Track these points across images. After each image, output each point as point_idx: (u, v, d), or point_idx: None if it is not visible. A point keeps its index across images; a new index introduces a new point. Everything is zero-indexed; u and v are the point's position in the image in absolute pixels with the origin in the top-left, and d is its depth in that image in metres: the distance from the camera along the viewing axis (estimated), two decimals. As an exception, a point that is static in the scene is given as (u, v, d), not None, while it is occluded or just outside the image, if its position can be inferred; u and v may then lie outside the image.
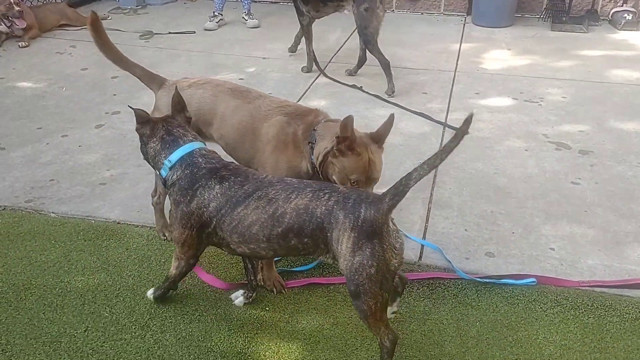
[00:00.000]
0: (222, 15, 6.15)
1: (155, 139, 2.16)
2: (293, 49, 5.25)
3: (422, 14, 6.65)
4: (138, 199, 3.06)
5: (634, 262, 2.58)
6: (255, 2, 6.33)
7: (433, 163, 1.83)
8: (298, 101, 4.24)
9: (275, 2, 7.03)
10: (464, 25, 6.21)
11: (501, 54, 5.30)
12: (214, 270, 2.54)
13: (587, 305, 2.33)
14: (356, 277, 1.84)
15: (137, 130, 2.20)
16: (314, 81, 4.62)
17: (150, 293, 2.36)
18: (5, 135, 3.77)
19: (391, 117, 2.36)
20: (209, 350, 2.14)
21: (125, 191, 3.15)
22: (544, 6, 6.31)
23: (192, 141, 2.16)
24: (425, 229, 2.83)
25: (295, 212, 1.91)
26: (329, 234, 1.88)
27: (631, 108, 4.13)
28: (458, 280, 2.46)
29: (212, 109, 2.49)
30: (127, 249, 2.68)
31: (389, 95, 4.37)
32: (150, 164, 2.23)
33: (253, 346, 2.15)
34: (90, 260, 2.61)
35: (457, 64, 5.02)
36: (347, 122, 2.12)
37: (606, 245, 2.69)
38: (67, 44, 5.57)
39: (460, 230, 2.80)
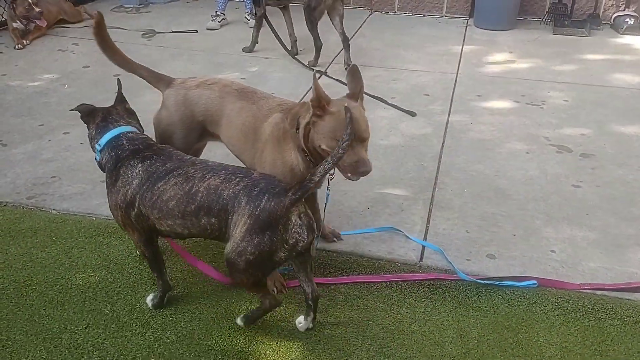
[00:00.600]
0: (224, 14, 6.15)
1: (92, 126, 2.31)
2: (250, 49, 5.36)
3: (424, 16, 6.65)
4: (139, 197, 3.06)
5: (635, 265, 2.58)
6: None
7: (336, 156, 1.89)
8: (300, 101, 4.24)
9: (277, 3, 7.02)
10: (466, 27, 6.22)
11: (503, 56, 5.31)
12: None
13: (588, 308, 2.33)
14: (234, 257, 1.94)
15: (82, 119, 2.34)
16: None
17: (149, 300, 2.33)
18: (6, 132, 3.77)
19: (353, 67, 2.32)
20: (210, 348, 2.14)
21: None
22: (546, 10, 6.32)
23: (121, 126, 2.27)
24: (427, 230, 2.83)
25: (207, 191, 2.00)
26: (230, 217, 1.96)
27: (632, 112, 4.13)
28: (459, 281, 2.46)
29: (219, 110, 2.48)
30: (127, 247, 2.68)
31: (312, 65, 4.95)
32: (93, 151, 2.34)
33: (254, 345, 2.15)
34: (91, 258, 2.61)
35: (458, 66, 5.03)
36: (315, 85, 2.10)
37: (607, 248, 2.70)
38: (69, 41, 5.57)
39: (462, 232, 2.80)
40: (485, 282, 2.44)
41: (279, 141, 2.34)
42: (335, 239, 2.70)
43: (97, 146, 2.25)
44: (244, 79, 4.61)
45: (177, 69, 4.82)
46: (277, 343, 2.16)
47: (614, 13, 6.16)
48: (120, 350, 2.12)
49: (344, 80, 4.12)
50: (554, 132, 3.84)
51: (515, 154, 3.55)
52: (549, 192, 3.15)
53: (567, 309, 2.33)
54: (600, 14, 6.21)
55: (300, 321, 2.22)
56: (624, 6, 6.15)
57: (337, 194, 3.10)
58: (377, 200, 3.06)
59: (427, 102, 4.30)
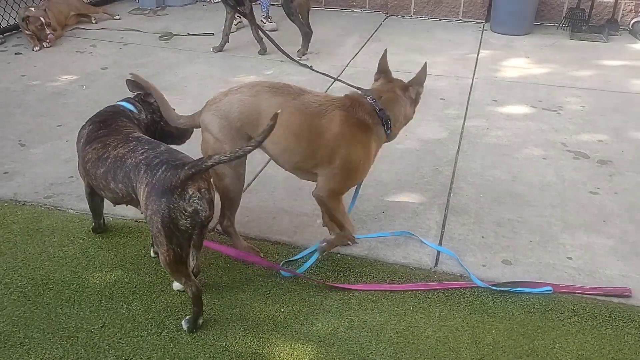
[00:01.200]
0: (240, 17, 6.18)
1: None
2: (219, 48, 5.45)
3: (440, 20, 6.64)
4: (155, 198, 3.08)
5: (654, 273, 2.55)
6: (274, 5, 6.35)
7: (235, 153, 2.00)
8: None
9: (293, 6, 7.05)
10: (483, 32, 6.19)
11: (520, 62, 5.28)
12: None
13: (605, 315, 2.31)
14: (150, 227, 2.11)
15: None
16: (330, 85, 4.63)
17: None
18: (26, 132, 3.82)
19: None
20: (224, 349, 2.15)
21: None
22: (564, 15, 6.27)
23: (121, 101, 2.65)
24: (442, 234, 2.82)
25: (114, 159, 2.24)
26: (135, 184, 2.15)
27: (651, 119, 4.09)
28: (474, 287, 2.45)
29: (256, 109, 2.39)
30: (143, 247, 2.70)
31: (299, 56, 5.21)
32: None
33: (267, 347, 2.16)
34: (108, 257, 2.63)
35: (475, 71, 5.01)
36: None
37: (625, 256, 2.66)
38: (87, 43, 5.63)
39: (477, 237, 2.79)
40: (500, 289, 2.42)
41: (355, 135, 2.40)
42: (349, 242, 2.70)
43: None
44: (259, 81, 4.63)
45: (194, 71, 4.85)
46: (291, 345, 2.16)
47: (632, 18, 6.10)
48: (136, 350, 2.14)
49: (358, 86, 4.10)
50: (571, 138, 3.81)
51: (532, 159, 3.53)
52: (566, 198, 3.13)
53: (583, 316, 2.31)
54: (619, 19, 6.15)
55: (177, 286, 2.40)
56: (643, 12, 6.09)
57: (349, 198, 3.10)
58: (392, 205, 3.05)
59: (443, 106, 4.29)
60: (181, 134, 2.73)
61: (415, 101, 2.66)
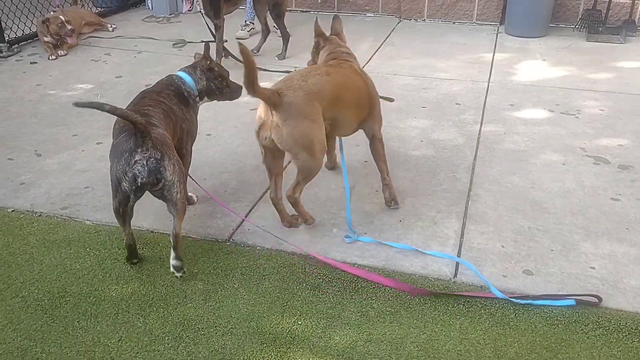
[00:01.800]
0: (253, 24, 6.18)
1: None
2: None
3: (454, 23, 6.58)
4: (171, 208, 3.07)
5: (680, 283, 2.48)
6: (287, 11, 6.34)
7: (122, 111, 2.30)
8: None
9: (306, 12, 7.05)
10: (497, 35, 6.13)
11: (536, 64, 5.21)
12: (246, 282, 2.52)
13: (631, 328, 2.25)
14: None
15: None
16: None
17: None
18: (41, 142, 3.84)
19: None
20: (242, 364, 2.12)
21: (159, 200, 3.15)
22: (579, 16, 6.19)
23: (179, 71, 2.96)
24: (461, 244, 2.77)
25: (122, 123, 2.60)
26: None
27: (673, 122, 4.01)
28: (495, 298, 2.40)
29: (336, 88, 2.75)
30: (159, 258, 2.69)
31: (281, 58, 5.36)
32: None
33: (286, 361, 2.13)
34: (124, 269, 2.62)
35: (490, 75, 4.95)
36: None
37: (650, 265, 2.60)
38: (101, 51, 5.65)
39: (497, 247, 2.74)
40: (521, 301, 2.37)
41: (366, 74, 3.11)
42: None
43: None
44: (273, 88, 4.60)
45: (207, 78, 4.85)
46: (309, 359, 2.13)
47: (650, 19, 6.01)
48: (153, 364, 2.12)
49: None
50: (591, 142, 3.74)
51: (551, 165, 3.47)
52: (586, 205, 3.06)
53: (608, 328, 2.25)
54: (636, 20, 6.06)
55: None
56: (661, 12, 5.99)
57: (368, 206, 3.07)
58: (409, 213, 3.01)
59: (459, 111, 4.24)
60: (236, 95, 3.11)
61: None
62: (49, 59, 5.37)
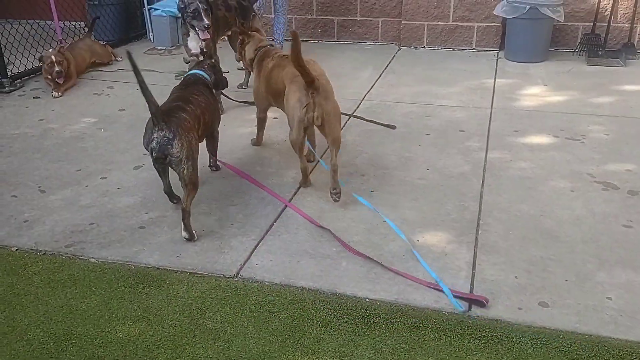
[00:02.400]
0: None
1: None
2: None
3: (453, 50, 6.63)
4: (177, 243, 3.03)
5: (699, 313, 2.43)
6: (288, 40, 6.38)
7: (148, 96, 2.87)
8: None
9: (306, 41, 7.09)
10: (497, 60, 6.16)
11: (537, 90, 5.22)
12: (256, 319, 2.47)
13: (653, 361, 2.19)
14: None
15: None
16: (346, 122, 4.58)
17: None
18: (45, 178, 3.81)
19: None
20: (254, 407, 2.05)
21: (164, 235, 3.12)
22: (579, 40, 6.23)
23: (195, 70, 3.55)
24: (473, 275, 2.72)
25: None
26: None
27: (679, 145, 3.99)
28: (512, 332, 2.34)
29: None
30: (167, 296, 2.64)
31: (242, 86, 5.38)
32: None
33: (299, 403, 2.06)
34: (131, 309, 2.57)
35: (492, 101, 4.96)
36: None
37: (667, 295, 2.55)
38: (104, 85, 5.67)
39: (510, 278, 2.69)
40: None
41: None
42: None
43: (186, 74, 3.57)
44: (276, 118, 4.59)
45: (210, 110, 4.85)
46: (323, 401, 2.07)
47: (649, 42, 6.05)
48: (163, 409, 2.05)
49: (378, 121, 4.11)
50: (598, 168, 3.72)
51: (560, 192, 3.44)
52: (598, 233, 3.02)
53: (629, 362, 2.20)
54: (635, 43, 6.10)
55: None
56: (659, 35, 6.03)
57: (375, 237, 3.03)
58: (419, 244, 2.97)
59: (463, 138, 4.22)
60: (223, 86, 3.83)
61: None
62: (52, 95, 5.35)
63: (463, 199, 3.40)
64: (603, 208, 3.25)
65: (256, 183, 3.59)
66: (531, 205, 3.30)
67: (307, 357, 2.28)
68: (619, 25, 6.10)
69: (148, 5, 7.18)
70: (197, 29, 4.47)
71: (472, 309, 2.50)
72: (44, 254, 3.01)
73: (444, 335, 2.35)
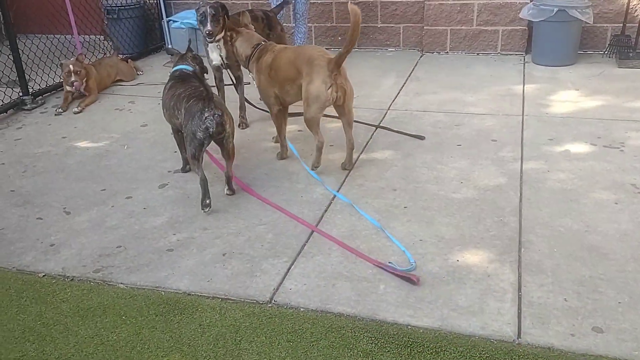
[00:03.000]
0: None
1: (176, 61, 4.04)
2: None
3: (477, 54, 6.48)
4: (207, 267, 2.94)
5: None
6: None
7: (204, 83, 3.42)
8: (361, 154, 4.10)
9: (326, 49, 6.97)
10: (524, 64, 6.00)
11: (569, 94, 5.05)
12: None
13: None
14: (185, 133, 3.45)
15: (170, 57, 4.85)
16: (373, 133, 4.46)
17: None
18: (70, 198, 3.75)
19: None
20: None
21: (193, 257, 3.03)
22: (608, 42, 6.05)
23: (181, 64, 3.92)
24: (519, 298, 2.58)
25: (176, 97, 3.60)
26: (180, 111, 3.52)
27: None
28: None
29: None
30: (199, 325, 2.54)
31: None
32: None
33: None
34: (163, 339, 2.47)
35: (523, 107, 4.80)
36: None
37: None
38: (125, 100, 5.62)
39: (559, 300, 2.55)
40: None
41: None
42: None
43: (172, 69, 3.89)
44: (300, 130, 4.49)
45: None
46: None
47: (682, 42, 5.84)
48: None
49: (405, 131, 3.98)
50: (641, 177, 3.55)
51: (603, 204, 3.28)
52: (648, 248, 2.87)
53: (697, 394, 2.05)
54: (667, 43, 5.89)
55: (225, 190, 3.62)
56: (693, 34, 5.82)
57: (413, 257, 2.90)
58: (459, 264, 2.84)
59: (496, 148, 4.08)
60: (204, 73, 4.02)
61: None
62: (56, 110, 5.31)
63: (501, 213, 3.26)
64: (651, 221, 3.10)
65: (280, 209, 3.43)
66: (574, 220, 3.15)
67: (350, 390, 2.16)
68: (650, 25, 5.90)
69: (166, 17, 7.14)
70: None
71: (521, 336, 2.36)
72: (72, 279, 2.93)
73: (494, 365, 2.22)
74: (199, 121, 3.25)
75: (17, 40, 5.40)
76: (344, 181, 3.73)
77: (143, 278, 2.90)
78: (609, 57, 5.94)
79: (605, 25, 6.07)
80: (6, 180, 4.07)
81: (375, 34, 6.87)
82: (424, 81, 5.70)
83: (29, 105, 5.46)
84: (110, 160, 4.28)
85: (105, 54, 6.63)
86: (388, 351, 2.33)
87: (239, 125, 4.73)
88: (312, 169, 3.78)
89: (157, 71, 6.51)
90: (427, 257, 2.91)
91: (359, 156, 4.07)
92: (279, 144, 4.11)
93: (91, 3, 6.91)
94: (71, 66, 5.33)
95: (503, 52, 6.40)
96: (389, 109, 4.98)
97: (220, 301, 2.69)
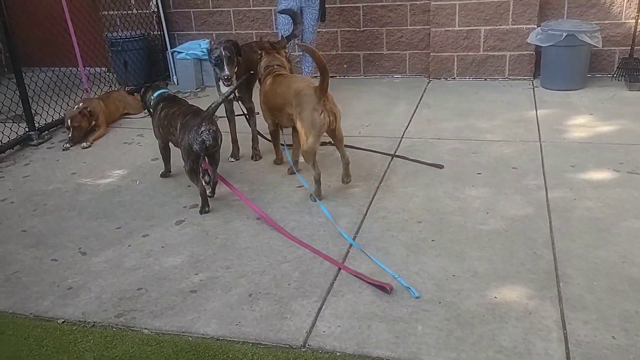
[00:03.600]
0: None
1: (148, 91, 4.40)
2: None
3: (485, 80, 6.46)
4: (234, 309, 2.82)
5: None
6: (316, 76, 6.25)
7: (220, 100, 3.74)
8: (380, 185, 4.02)
9: (332, 77, 6.95)
10: (534, 89, 5.98)
11: (583, 119, 5.01)
12: None
13: None
14: (180, 148, 3.79)
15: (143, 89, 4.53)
16: (390, 162, 4.40)
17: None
18: (84, 238, 3.63)
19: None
20: None
21: (219, 299, 2.91)
22: (616, 65, 6.05)
23: (162, 89, 4.32)
24: (565, 337, 2.47)
25: (172, 115, 3.97)
26: (176, 128, 3.84)
27: None
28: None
29: None
30: (232, 373, 2.42)
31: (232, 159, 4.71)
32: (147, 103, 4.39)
33: None
34: (195, 390, 2.35)
35: (539, 133, 4.75)
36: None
37: None
38: (133, 133, 5.54)
39: (608, 339, 2.44)
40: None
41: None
42: None
43: (151, 97, 4.24)
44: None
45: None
46: None
47: (690, 64, 5.85)
48: None
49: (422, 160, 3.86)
50: (670, 204, 3.48)
51: (637, 233, 3.20)
52: (690, 280, 2.78)
53: None
54: (675, 65, 5.90)
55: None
56: (701, 56, 5.83)
57: (448, 295, 2.80)
58: (497, 301, 2.74)
59: (518, 176, 4.01)
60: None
61: None
62: (81, 147, 5.22)
63: (534, 245, 3.17)
64: (689, 251, 3.01)
65: (305, 245, 3.33)
66: (609, 251, 3.06)
67: None
68: (658, 48, 5.92)
69: (171, 48, 7.11)
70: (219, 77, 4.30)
71: (574, 379, 2.26)
72: (94, 325, 2.80)
73: (551, 412, 2.11)
74: (195, 135, 3.54)
75: (24, 75, 5.31)
76: (366, 213, 3.65)
77: (168, 323, 2.77)
78: (618, 80, 5.94)
79: (612, 48, 6.08)
80: (17, 219, 3.95)
81: (381, 61, 6.86)
82: (434, 108, 5.65)
83: (35, 141, 5.36)
84: (123, 197, 4.18)
85: (110, 87, 6.56)
86: (435, 398, 2.22)
87: (252, 157, 4.65)
88: (316, 200, 3.82)
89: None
90: (463, 293, 2.80)
91: (378, 186, 3.99)
92: (294, 174, 4.18)
93: (95, 35, 6.87)
94: (69, 121, 5.21)
95: (511, 77, 6.38)
96: (402, 137, 4.91)
97: (251, 346, 2.57)
